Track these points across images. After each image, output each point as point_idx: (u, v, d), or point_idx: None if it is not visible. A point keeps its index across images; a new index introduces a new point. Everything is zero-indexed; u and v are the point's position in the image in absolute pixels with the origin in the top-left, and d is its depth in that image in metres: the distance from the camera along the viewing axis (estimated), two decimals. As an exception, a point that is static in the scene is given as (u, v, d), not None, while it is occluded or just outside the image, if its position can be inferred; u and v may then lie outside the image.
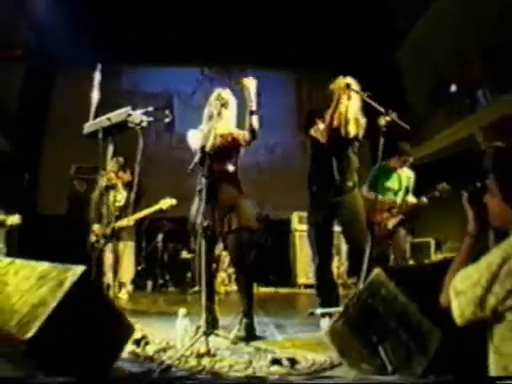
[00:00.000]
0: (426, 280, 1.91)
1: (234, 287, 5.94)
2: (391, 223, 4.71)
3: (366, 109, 3.68)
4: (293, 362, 2.50)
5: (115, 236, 4.88)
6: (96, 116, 3.48)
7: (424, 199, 4.70)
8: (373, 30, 8.40)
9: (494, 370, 1.46)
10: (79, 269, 2.08)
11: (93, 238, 5.11)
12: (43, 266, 2.34)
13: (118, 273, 5.35)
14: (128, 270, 5.68)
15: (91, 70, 8.39)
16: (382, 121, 3.39)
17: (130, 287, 5.83)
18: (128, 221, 5.20)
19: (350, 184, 3.77)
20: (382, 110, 3.41)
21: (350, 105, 3.71)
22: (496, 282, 1.42)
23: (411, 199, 4.83)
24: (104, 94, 3.86)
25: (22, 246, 6.04)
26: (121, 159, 5.52)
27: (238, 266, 3.67)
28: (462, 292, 1.50)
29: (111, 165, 5.10)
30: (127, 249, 5.44)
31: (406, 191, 4.91)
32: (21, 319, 2.01)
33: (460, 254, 1.75)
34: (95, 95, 3.70)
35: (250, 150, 3.74)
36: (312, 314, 3.94)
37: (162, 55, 9.19)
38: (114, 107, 3.68)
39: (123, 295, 5.54)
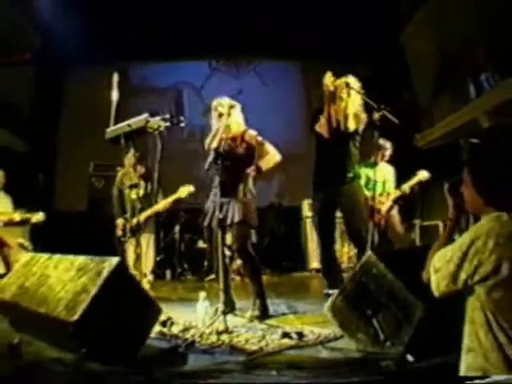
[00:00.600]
0: (411, 260, 2.18)
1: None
2: (383, 209, 5.11)
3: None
4: (300, 335, 2.85)
5: (140, 228, 5.10)
6: (116, 115, 3.78)
7: (405, 188, 5.09)
8: (377, 15, 8.43)
9: (468, 338, 1.70)
10: (114, 260, 2.43)
11: (119, 233, 5.34)
12: (80, 258, 2.70)
13: (141, 264, 5.60)
14: (149, 260, 5.95)
15: (100, 67, 8.64)
16: (376, 115, 3.70)
17: (150, 277, 6.09)
18: (151, 212, 5.35)
19: (351, 175, 4.07)
20: (374, 105, 3.71)
21: (349, 102, 4.02)
22: (466, 260, 1.65)
23: (393, 191, 5.22)
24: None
25: (46, 242, 6.10)
26: (136, 153, 5.68)
27: (241, 255, 4.00)
28: (439, 269, 1.74)
29: (128, 158, 5.33)
30: (148, 241, 5.68)
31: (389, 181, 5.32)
32: (67, 304, 2.36)
33: (441, 236, 2.05)
34: (114, 95, 3.96)
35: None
36: (327, 295, 4.28)
37: (170, 50, 9.25)
38: (123, 103, 3.97)
39: (145, 284, 5.84)
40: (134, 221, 4.87)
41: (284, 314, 3.81)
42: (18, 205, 5.79)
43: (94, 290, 2.32)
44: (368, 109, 3.98)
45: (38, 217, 5.43)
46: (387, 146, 5.27)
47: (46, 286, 2.71)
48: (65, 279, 2.60)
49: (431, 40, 8.35)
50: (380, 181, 5.23)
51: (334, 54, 8.85)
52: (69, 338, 2.34)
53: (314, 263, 7.55)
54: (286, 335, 2.84)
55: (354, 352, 2.54)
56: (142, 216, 5.20)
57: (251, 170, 3.77)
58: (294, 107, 10.02)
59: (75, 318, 2.25)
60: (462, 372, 1.69)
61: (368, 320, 2.47)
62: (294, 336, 2.81)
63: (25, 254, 5.12)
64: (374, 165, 5.18)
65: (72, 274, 2.59)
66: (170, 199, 5.47)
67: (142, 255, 5.32)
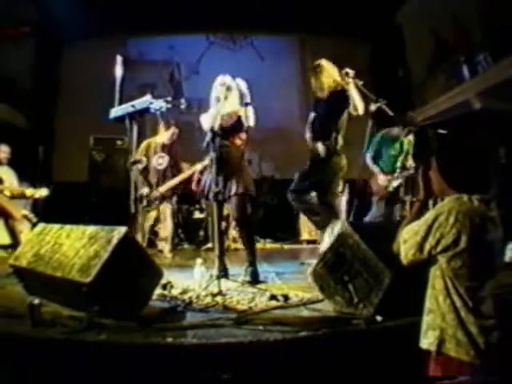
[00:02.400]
0: (382, 233, 2.51)
1: (242, 243, 6.50)
2: (392, 185, 5.27)
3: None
4: (286, 297, 3.21)
5: (163, 198, 5.47)
6: (121, 89, 4.05)
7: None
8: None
9: (428, 301, 1.99)
10: (123, 229, 2.75)
11: (144, 202, 5.55)
12: (91, 228, 3.01)
13: (159, 232, 5.93)
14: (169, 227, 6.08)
15: (100, 41, 8.69)
16: (373, 107, 3.97)
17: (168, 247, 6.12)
18: (171, 184, 5.66)
19: (337, 148, 4.39)
20: (373, 97, 3.99)
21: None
22: (430, 233, 1.93)
23: (410, 162, 5.24)
24: (110, 63, 4.34)
25: (49, 213, 6.10)
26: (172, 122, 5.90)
27: (239, 224, 4.33)
28: (407, 240, 2.01)
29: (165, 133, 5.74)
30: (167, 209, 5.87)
31: (406, 154, 5.32)
32: (81, 268, 2.68)
33: (410, 213, 2.35)
34: (118, 71, 4.21)
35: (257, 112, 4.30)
36: (302, 264, 4.74)
37: (167, 22, 9.27)
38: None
39: (166, 246, 5.97)
40: (155, 192, 5.27)
41: (273, 280, 4.14)
42: (18, 178, 6.01)
43: (105, 256, 2.62)
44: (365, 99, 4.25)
45: (42, 192, 5.53)
46: (416, 121, 5.33)
47: (60, 253, 2.98)
48: (78, 247, 2.88)
49: (427, 20, 8.44)
50: (395, 155, 5.33)
51: (332, 28, 8.95)
52: (83, 297, 2.64)
53: (305, 234, 7.85)
54: (273, 297, 3.19)
55: (331, 312, 2.90)
56: (167, 186, 5.62)
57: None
58: (290, 79, 10.12)
59: (89, 279, 2.55)
60: (423, 330, 1.98)
61: (344, 285, 2.82)
62: (280, 298, 3.17)
63: (28, 225, 5.41)
64: (394, 139, 5.31)
65: (84, 241, 2.88)
66: (188, 172, 5.79)
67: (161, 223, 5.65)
